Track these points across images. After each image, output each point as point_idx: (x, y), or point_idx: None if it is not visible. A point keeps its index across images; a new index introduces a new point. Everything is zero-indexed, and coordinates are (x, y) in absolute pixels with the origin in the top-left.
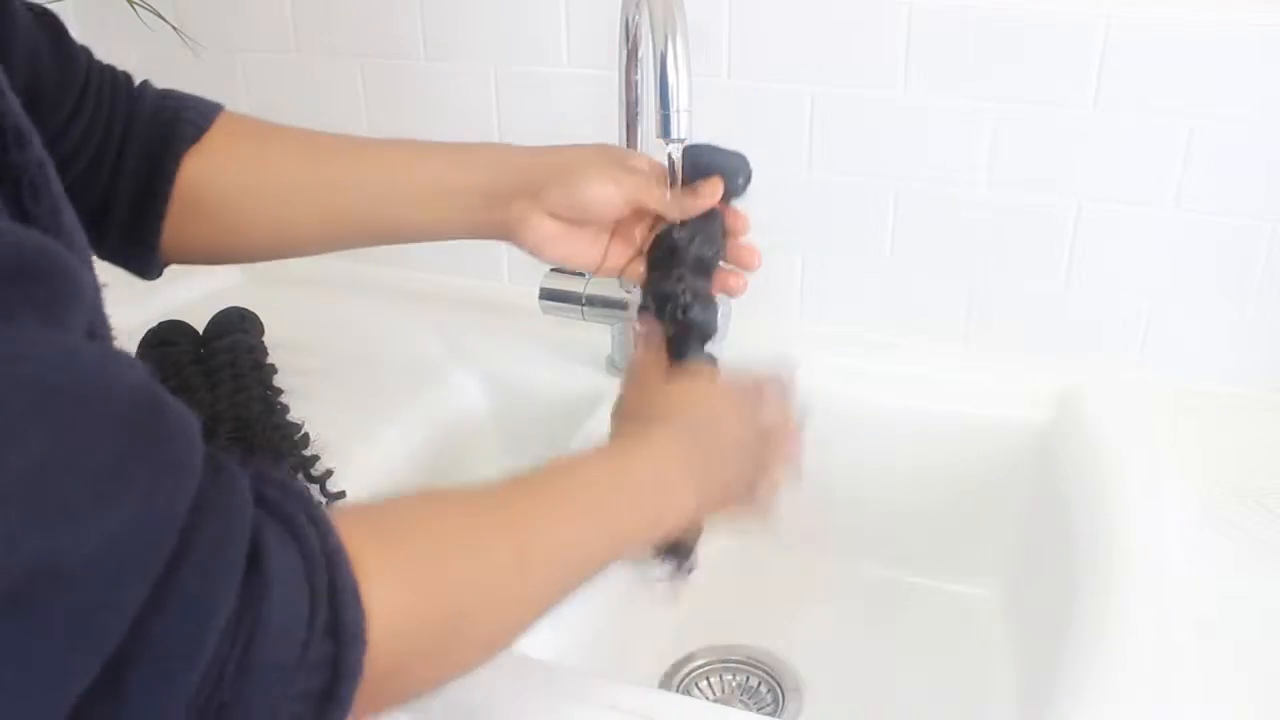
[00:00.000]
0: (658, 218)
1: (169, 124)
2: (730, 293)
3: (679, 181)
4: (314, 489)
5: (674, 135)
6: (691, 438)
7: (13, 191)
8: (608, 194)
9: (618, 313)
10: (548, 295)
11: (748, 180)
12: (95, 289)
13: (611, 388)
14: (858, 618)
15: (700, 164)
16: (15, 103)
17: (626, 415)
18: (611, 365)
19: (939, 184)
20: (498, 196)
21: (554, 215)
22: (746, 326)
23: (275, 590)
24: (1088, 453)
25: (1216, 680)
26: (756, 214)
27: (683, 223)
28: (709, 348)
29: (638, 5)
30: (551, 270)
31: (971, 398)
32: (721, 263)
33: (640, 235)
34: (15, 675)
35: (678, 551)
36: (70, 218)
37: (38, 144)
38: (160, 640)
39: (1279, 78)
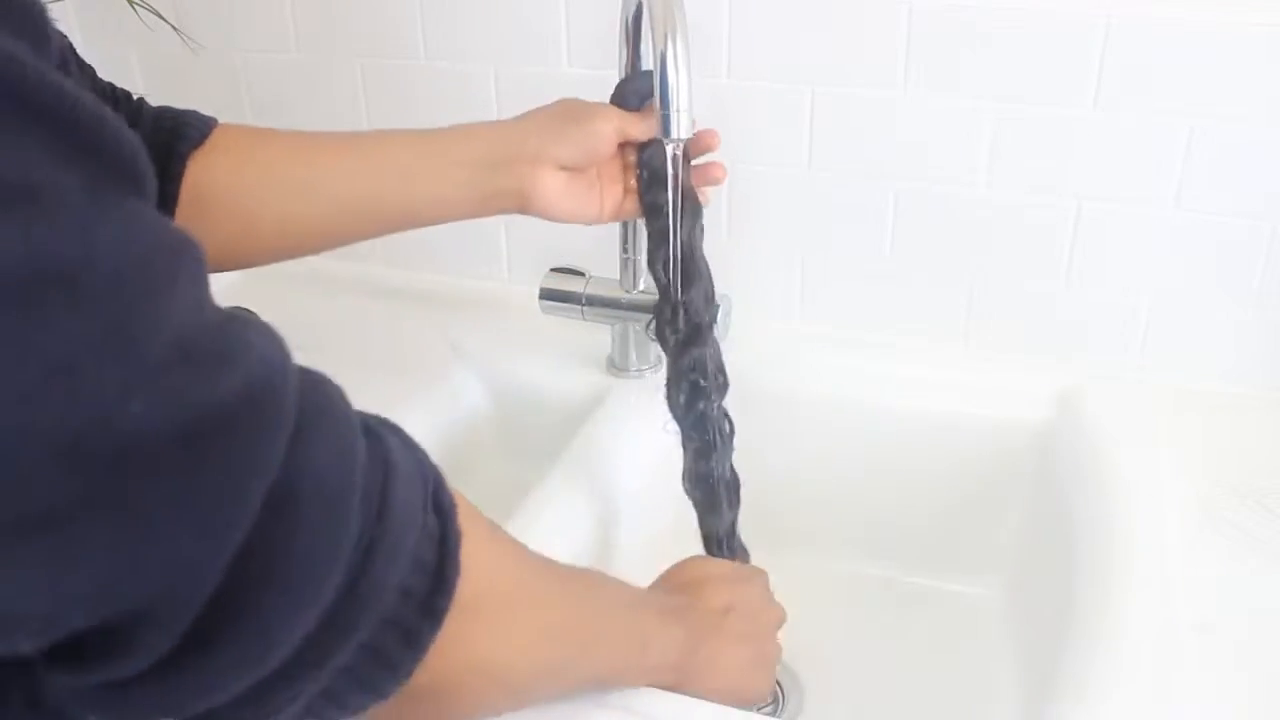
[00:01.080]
0: (624, 154)
1: (171, 130)
2: (714, 181)
3: (679, 178)
4: None
5: (674, 135)
6: (706, 630)
7: None
8: (605, 130)
9: (618, 313)
10: (548, 295)
11: (643, 99)
12: None
13: (612, 387)
14: (858, 617)
15: (646, 90)
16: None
17: (673, 579)
18: (611, 365)
19: (939, 184)
20: (500, 165)
21: (561, 167)
22: (747, 326)
23: (393, 446)
24: (1088, 453)
25: (1216, 680)
26: (756, 214)
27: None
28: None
29: (638, 5)
30: (551, 270)
31: (971, 398)
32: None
33: (619, 173)
34: (198, 506)
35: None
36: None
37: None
38: (313, 474)
39: (1279, 78)
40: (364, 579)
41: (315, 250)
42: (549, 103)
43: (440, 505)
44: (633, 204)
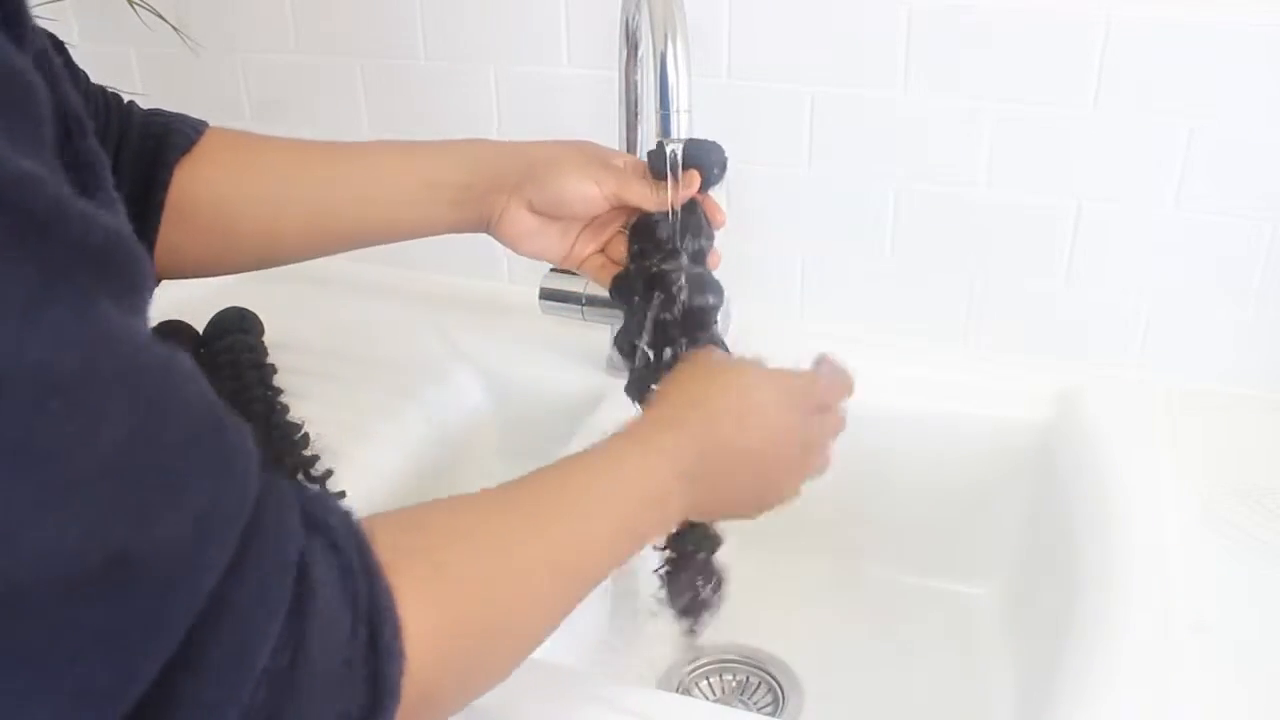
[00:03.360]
0: (633, 212)
1: (159, 136)
2: (716, 224)
3: (679, 176)
4: (314, 489)
5: (674, 135)
6: (706, 446)
7: (77, 178)
8: (588, 191)
9: (618, 313)
10: (548, 295)
11: (723, 169)
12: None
13: (612, 388)
14: (858, 618)
15: (679, 159)
16: (74, 95)
17: (662, 397)
18: (611, 365)
19: (939, 184)
20: (477, 191)
21: (532, 210)
22: (747, 326)
23: (320, 605)
24: (1088, 453)
25: (1216, 680)
26: (756, 214)
27: (669, 215)
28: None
29: (638, 5)
30: (551, 270)
31: (971, 398)
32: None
33: (611, 230)
34: (82, 666)
35: (693, 610)
36: (121, 209)
37: (93, 136)
38: (216, 647)
39: (1279, 78)
40: None
41: (296, 260)
42: (564, 141)
43: (377, 644)
44: (594, 265)
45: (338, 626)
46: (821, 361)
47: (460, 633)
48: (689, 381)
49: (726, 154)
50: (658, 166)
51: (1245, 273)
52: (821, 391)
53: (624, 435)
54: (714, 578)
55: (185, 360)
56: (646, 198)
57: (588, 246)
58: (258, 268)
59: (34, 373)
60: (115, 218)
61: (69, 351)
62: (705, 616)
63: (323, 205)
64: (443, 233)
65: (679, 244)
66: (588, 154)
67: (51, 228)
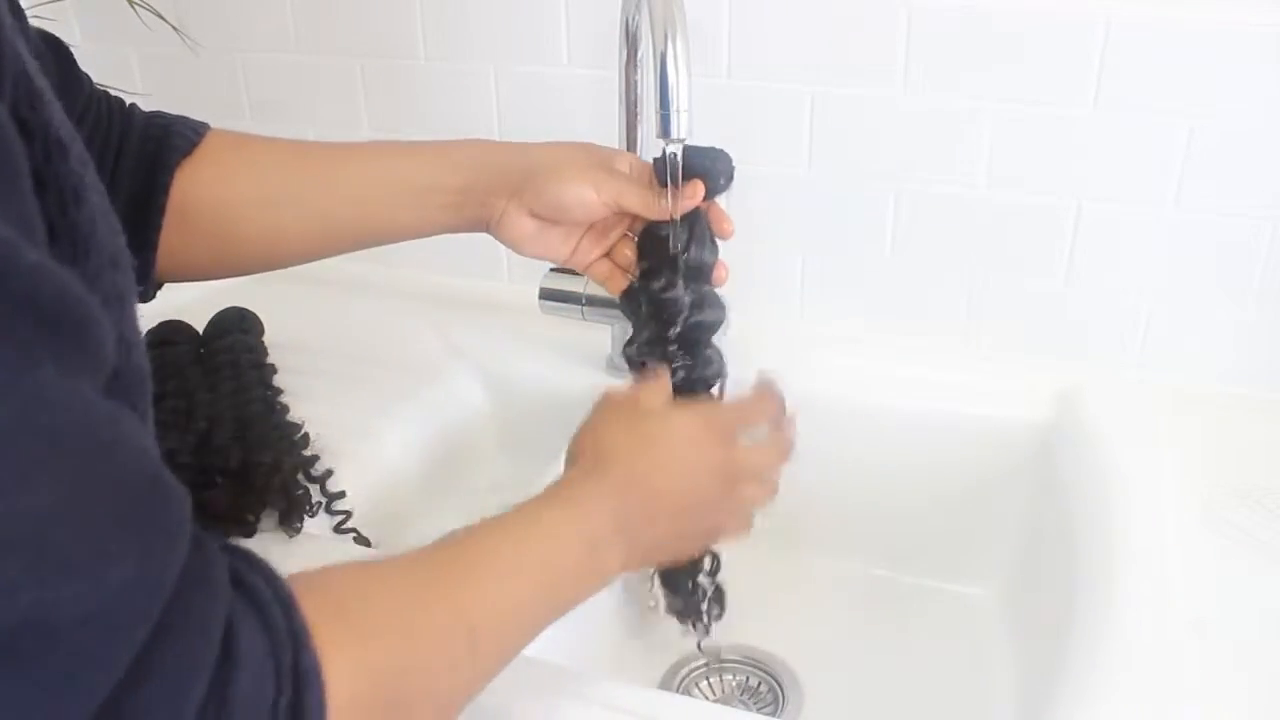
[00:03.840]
0: (637, 218)
1: (160, 139)
2: (716, 283)
3: (680, 180)
4: (314, 489)
5: (674, 135)
6: (628, 493)
7: (56, 200)
8: (586, 196)
9: (617, 313)
10: (548, 295)
11: (729, 179)
12: (129, 299)
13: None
14: (858, 618)
15: (686, 167)
16: (59, 111)
17: (575, 455)
18: (611, 365)
19: (939, 184)
20: (476, 194)
21: (531, 214)
22: (747, 326)
23: (244, 670)
24: (1088, 453)
25: (1216, 680)
26: (756, 214)
27: (670, 224)
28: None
29: (638, 5)
30: (551, 270)
31: (971, 398)
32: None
33: (616, 234)
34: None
35: (691, 611)
36: (112, 223)
37: (79, 151)
38: (139, 712)
39: (1279, 78)
40: None
41: (296, 262)
42: (567, 143)
43: (300, 707)
44: (600, 270)
45: (262, 695)
46: (758, 383)
47: (382, 700)
48: (603, 433)
49: (734, 163)
50: (663, 173)
51: (1245, 273)
52: (746, 417)
53: (541, 497)
54: (713, 576)
55: (129, 424)
56: (647, 205)
57: (592, 251)
58: (259, 270)
59: None
60: (96, 225)
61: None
62: (707, 616)
63: (323, 207)
64: (442, 233)
65: (682, 256)
66: (589, 158)
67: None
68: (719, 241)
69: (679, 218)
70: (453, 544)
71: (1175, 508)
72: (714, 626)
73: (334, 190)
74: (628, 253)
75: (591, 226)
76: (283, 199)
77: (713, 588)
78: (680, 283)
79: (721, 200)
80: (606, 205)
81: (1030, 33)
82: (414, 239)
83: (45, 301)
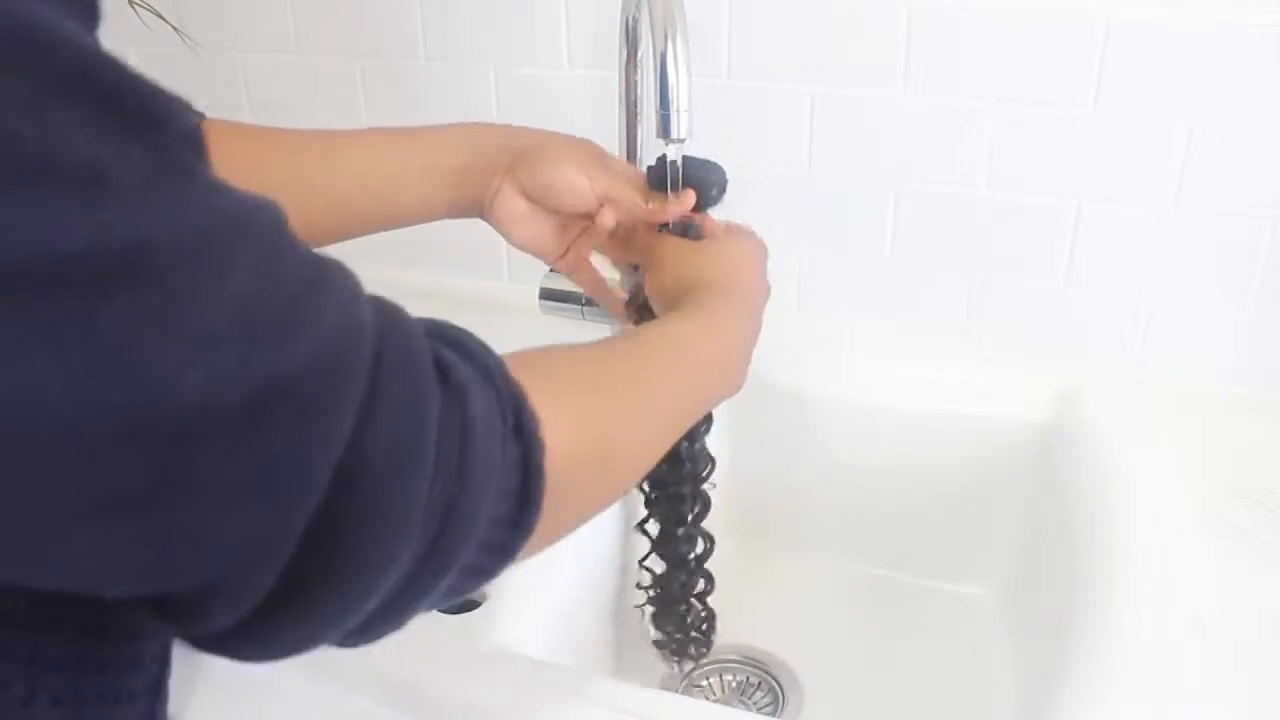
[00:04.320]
0: (632, 226)
1: None
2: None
3: (680, 183)
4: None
5: (674, 135)
6: (748, 313)
7: None
8: (577, 183)
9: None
10: (548, 295)
11: (722, 191)
12: None
13: None
14: (858, 618)
15: (678, 177)
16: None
17: (678, 288)
18: None
19: (939, 184)
20: (473, 173)
21: (524, 194)
22: None
23: (471, 391)
24: (1088, 453)
25: (1216, 680)
26: (756, 214)
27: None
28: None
29: (638, 5)
30: (551, 270)
31: (971, 398)
32: None
33: (602, 237)
34: (260, 485)
35: (682, 650)
36: None
37: None
38: (384, 444)
39: (1279, 78)
40: (448, 531)
41: None
42: (565, 134)
43: (521, 428)
44: (587, 274)
45: (490, 410)
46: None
47: (586, 431)
48: (688, 270)
49: (727, 175)
50: (656, 179)
51: (1245, 273)
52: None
53: (691, 318)
54: (703, 617)
55: (278, 207)
56: (635, 204)
57: (580, 248)
58: None
59: (165, 245)
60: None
61: (190, 219)
62: (695, 648)
63: (321, 192)
64: (442, 217)
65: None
66: (586, 149)
67: (156, 115)
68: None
69: (671, 225)
70: (611, 340)
71: (1175, 508)
72: (700, 655)
73: (333, 175)
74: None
75: (584, 230)
76: (280, 186)
77: (705, 611)
78: None
79: (714, 211)
80: (597, 196)
81: (1030, 33)
82: (416, 223)
83: (189, 127)
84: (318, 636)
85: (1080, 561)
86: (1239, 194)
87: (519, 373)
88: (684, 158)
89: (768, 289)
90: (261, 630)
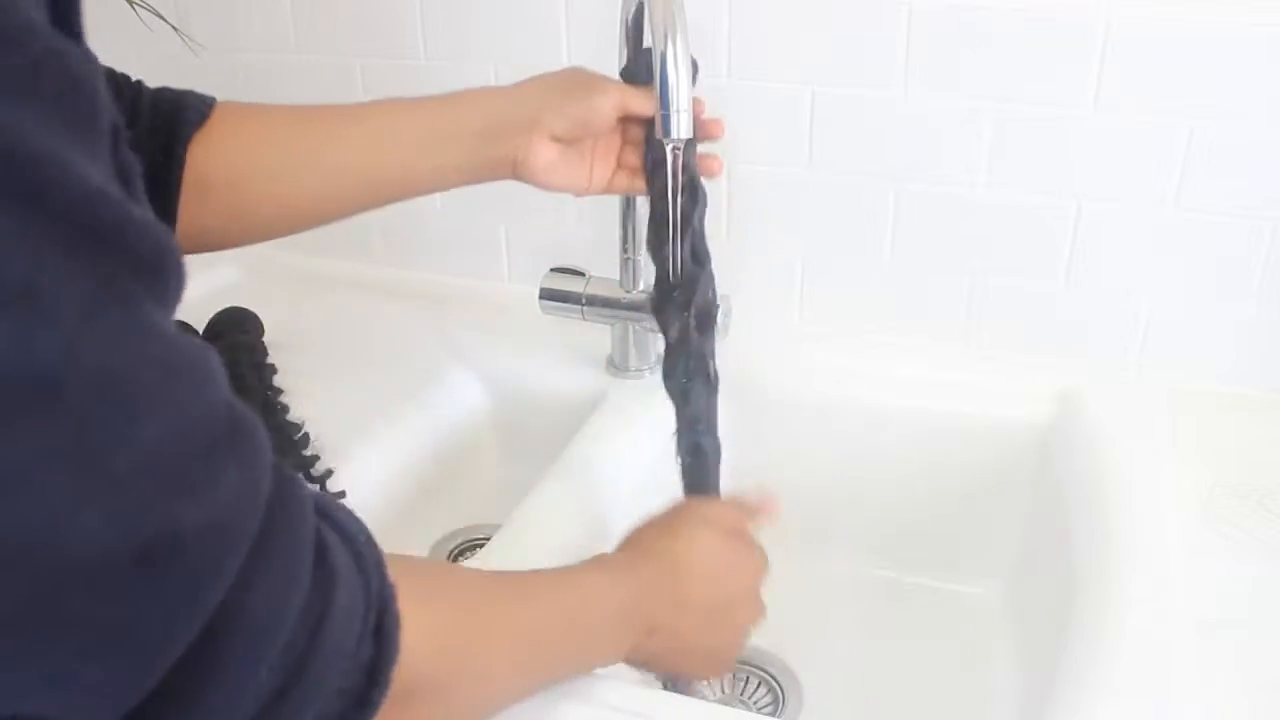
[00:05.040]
0: (629, 125)
1: (171, 114)
2: (710, 174)
3: (679, 182)
4: (314, 489)
5: (674, 135)
6: (673, 597)
7: (122, 178)
8: (603, 105)
9: (617, 313)
10: (548, 295)
11: (696, 71)
12: None
13: (612, 388)
14: (858, 618)
15: (648, 69)
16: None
17: (631, 544)
18: (611, 365)
19: (939, 184)
20: (495, 134)
21: (555, 138)
22: (747, 326)
23: (341, 580)
24: (1088, 453)
25: (1216, 680)
26: (756, 214)
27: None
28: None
29: (638, 5)
30: (551, 270)
31: (971, 398)
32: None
33: (616, 146)
34: (128, 635)
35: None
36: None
37: (126, 143)
38: (250, 614)
39: (1279, 78)
40: (275, 714)
41: (315, 224)
42: (555, 71)
43: (381, 629)
44: (623, 180)
45: (354, 604)
46: (759, 489)
47: (445, 640)
48: (647, 535)
49: (696, 59)
50: (635, 74)
51: (1245, 273)
52: (753, 519)
53: (586, 572)
54: None
55: (213, 356)
56: (646, 103)
57: (606, 169)
58: (280, 235)
59: (87, 377)
60: (150, 218)
61: (119, 356)
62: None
63: (336, 162)
64: (463, 182)
65: (679, 228)
66: (586, 73)
67: (111, 240)
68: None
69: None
70: (501, 573)
71: (1175, 508)
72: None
73: (348, 145)
74: (633, 157)
75: (595, 146)
76: (298, 160)
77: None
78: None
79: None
80: (616, 110)
81: (1030, 33)
82: (434, 190)
83: (147, 252)
84: None
85: (1080, 561)
86: (1239, 194)
87: (397, 573)
88: (646, 51)
89: (734, 600)
90: None
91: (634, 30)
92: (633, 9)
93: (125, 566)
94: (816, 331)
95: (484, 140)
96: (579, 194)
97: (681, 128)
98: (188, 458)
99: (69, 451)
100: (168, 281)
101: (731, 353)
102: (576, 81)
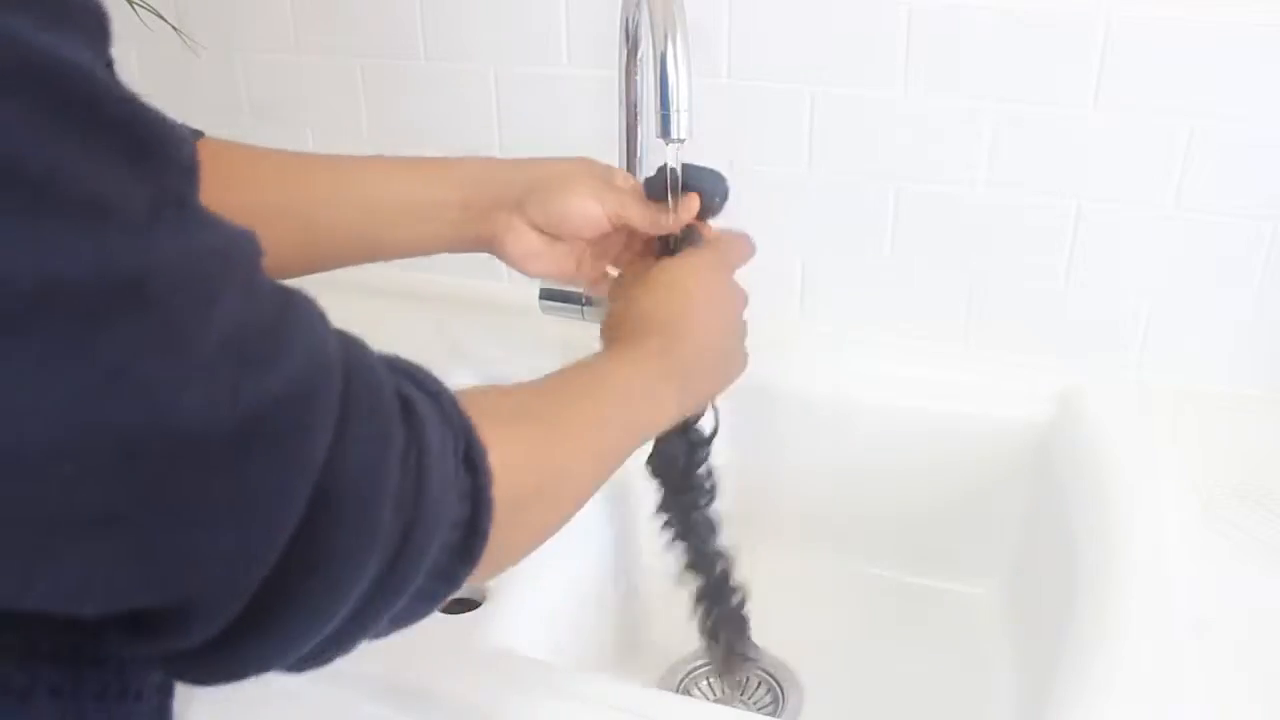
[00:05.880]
0: (633, 233)
1: None
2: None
3: (679, 189)
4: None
5: (674, 135)
6: (675, 350)
7: None
8: (590, 209)
9: None
10: (548, 295)
11: (724, 199)
12: None
13: None
14: (858, 617)
15: (676, 184)
16: None
17: (622, 326)
18: None
19: (939, 184)
20: (478, 209)
21: (534, 228)
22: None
23: (429, 423)
24: (1088, 453)
25: (1216, 680)
26: (756, 214)
27: (669, 244)
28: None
29: (638, 5)
30: None
31: (971, 398)
32: None
33: (616, 249)
34: (249, 502)
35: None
36: None
37: None
38: (355, 470)
39: (1279, 78)
40: (404, 554)
41: (286, 276)
42: (567, 158)
43: (471, 460)
44: (607, 286)
45: (444, 441)
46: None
47: (530, 455)
48: (638, 308)
49: (728, 184)
50: (656, 190)
51: (1245, 273)
52: (741, 258)
53: (610, 353)
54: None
55: (255, 238)
56: (646, 219)
57: (597, 266)
58: None
59: (164, 273)
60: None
61: (186, 249)
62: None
63: (316, 220)
64: (442, 251)
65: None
66: (591, 171)
67: (157, 146)
68: None
69: (669, 231)
70: (541, 379)
71: (1175, 508)
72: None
73: (326, 205)
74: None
75: (592, 244)
76: (273, 211)
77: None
78: None
79: (715, 224)
80: (610, 218)
81: (1030, 33)
82: (412, 257)
83: (185, 158)
84: (277, 657)
85: (1080, 561)
86: (1239, 194)
87: (467, 406)
88: (684, 166)
89: (732, 330)
90: (226, 648)
91: (634, 30)
92: (633, 9)
93: (228, 442)
94: (816, 331)
95: (465, 214)
96: (564, 281)
97: (681, 128)
98: (261, 332)
99: (161, 343)
100: (197, 178)
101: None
102: (572, 178)
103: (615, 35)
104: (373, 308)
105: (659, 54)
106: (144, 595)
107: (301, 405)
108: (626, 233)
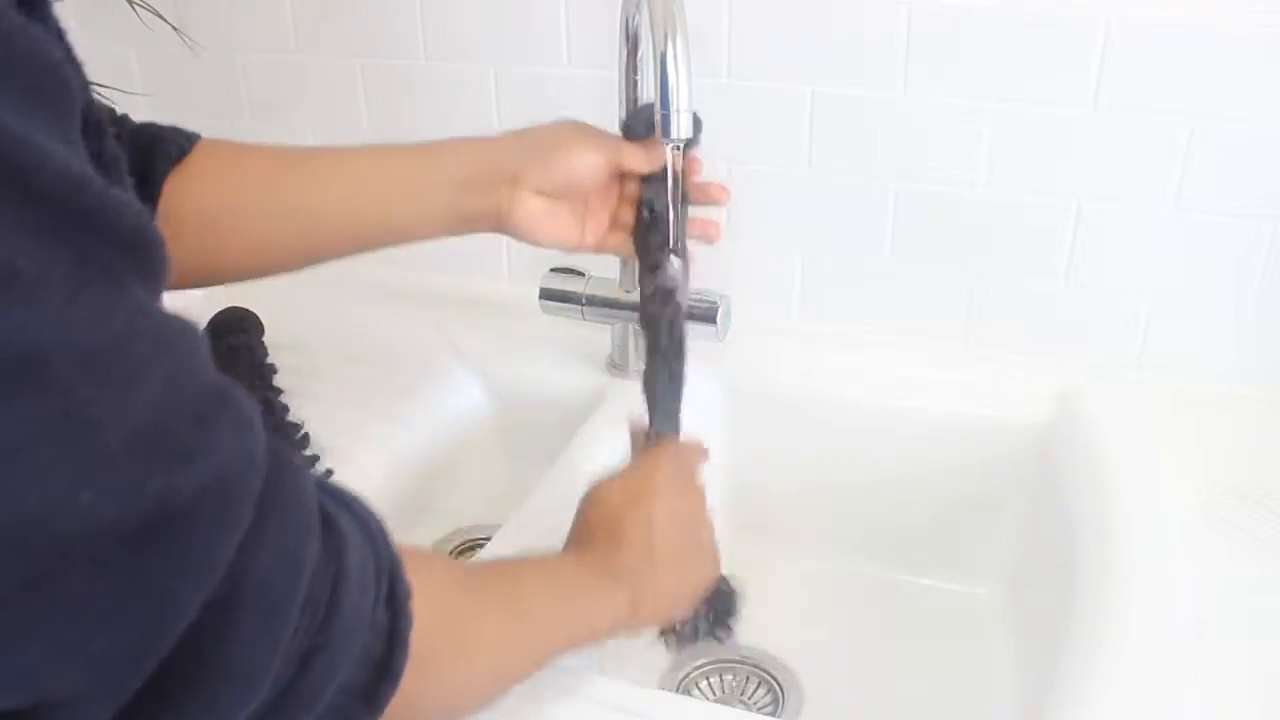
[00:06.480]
0: (625, 181)
1: (149, 147)
2: (709, 239)
3: (680, 183)
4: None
5: (674, 135)
6: (625, 557)
7: (103, 175)
8: (592, 160)
9: (618, 313)
10: (548, 295)
11: (699, 127)
12: None
13: (612, 388)
14: (858, 618)
15: (650, 119)
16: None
17: (581, 531)
18: (611, 365)
19: (939, 184)
20: (478, 185)
21: (539, 192)
22: (747, 326)
23: (351, 543)
24: (1088, 453)
25: (1216, 680)
26: (756, 214)
27: (652, 206)
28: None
29: (638, 5)
30: (551, 270)
31: (971, 398)
32: (693, 210)
33: (613, 202)
34: (133, 606)
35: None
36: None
37: (111, 137)
38: (259, 582)
39: (1279, 78)
40: (303, 681)
41: (288, 269)
42: (548, 122)
43: (394, 595)
44: (616, 239)
45: (365, 565)
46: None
47: (452, 622)
48: (600, 508)
49: (699, 113)
50: (634, 131)
51: (1245, 273)
52: (700, 460)
53: (564, 553)
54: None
55: (197, 329)
56: (640, 157)
57: (600, 225)
58: (251, 278)
59: (74, 354)
60: (134, 201)
61: (105, 332)
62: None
63: (313, 209)
64: (444, 234)
65: (677, 227)
66: (579, 128)
67: (90, 218)
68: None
69: (661, 165)
70: (491, 560)
71: (1175, 508)
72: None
73: (323, 192)
74: (629, 218)
75: (589, 201)
76: (272, 205)
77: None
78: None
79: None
80: (608, 166)
81: (1030, 33)
82: (413, 241)
83: (127, 230)
84: None
85: (1080, 561)
86: (1239, 194)
87: (399, 549)
88: (653, 103)
89: (691, 531)
90: None
91: (634, 30)
92: (633, 9)
93: (126, 540)
94: (816, 331)
95: (466, 190)
96: (570, 251)
97: (681, 128)
98: (181, 427)
99: (61, 430)
100: (151, 259)
101: (731, 353)
102: (567, 135)
103: (615, 35)
104: (373, 308)
105: (659, 54)
106: (19, 690)
107: (210, 511)
108: (620, 182)
